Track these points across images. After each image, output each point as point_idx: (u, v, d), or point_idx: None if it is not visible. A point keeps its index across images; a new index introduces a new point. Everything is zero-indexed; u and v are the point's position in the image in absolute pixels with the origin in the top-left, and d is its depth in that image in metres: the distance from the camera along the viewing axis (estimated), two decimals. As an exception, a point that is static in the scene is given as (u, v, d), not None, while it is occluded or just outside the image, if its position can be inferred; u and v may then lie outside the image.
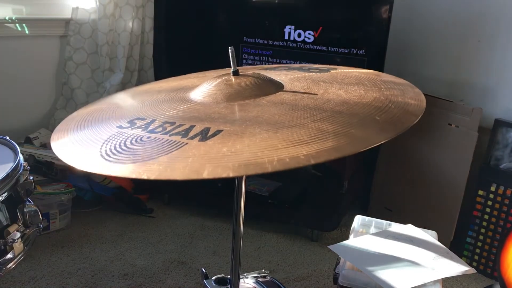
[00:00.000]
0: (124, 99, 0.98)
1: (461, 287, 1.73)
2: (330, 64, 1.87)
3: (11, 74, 2.05)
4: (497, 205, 1.78)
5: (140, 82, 2.36)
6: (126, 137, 0.69)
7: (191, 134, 0.66)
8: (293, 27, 1.88)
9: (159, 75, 2.35)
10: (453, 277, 1.18)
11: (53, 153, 0.72)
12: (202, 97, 0.82)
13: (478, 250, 1.84)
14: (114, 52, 2.21)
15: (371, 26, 1.82)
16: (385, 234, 1.33)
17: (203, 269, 1.20)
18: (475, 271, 1.42)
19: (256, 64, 2.00)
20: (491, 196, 1.79)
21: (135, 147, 0.65)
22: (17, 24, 2.01)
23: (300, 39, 1.88)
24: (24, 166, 1.07)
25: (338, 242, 1.28)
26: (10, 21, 1.98)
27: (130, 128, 0.72)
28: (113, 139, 0.70)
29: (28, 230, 1.05)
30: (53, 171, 1.90)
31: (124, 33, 2.19)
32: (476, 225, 1.83)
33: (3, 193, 0.98)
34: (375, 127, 0.68)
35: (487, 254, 1.82)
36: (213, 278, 1.19)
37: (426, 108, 0.76)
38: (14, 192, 1.02)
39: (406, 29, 2.10)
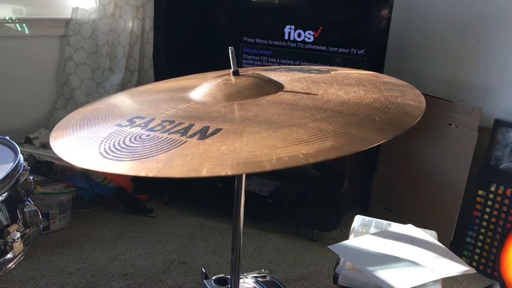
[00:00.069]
0: (123, 99, 0.98)
1: (461, 287, 1.73)
2: (330, 64, 1.88)
3: (11, 74, 2.06)
4: (497, 205, 1.78)
5: (140, 82, 2.36)
6: (125, 135, 0.69)
7: (190, 132, 0.66)
8: (293, 27, 1.89)
9: (159, 75, 2.35)
10: (453, 277, 1.18)
11: (53, 153, 0.72)
12: (202, 97, 0.82)
13: (478, 250, 1.84)
14: (114, 52, 2.21)
15: (371, 26, 1.82)
16: (385, 234, 1.33)
17: (203, 269, 1.20)
18: (475, 271, 1.42)
19: (256, 64, 2.00)
20: (491, 196, 1.79)
21: (134, 145, 0.65)
22: (17, 24, 2.01)
23: (300, 39, 1.88)
24: (24, 166, 1.07)
25: (338, 242, 1.28)
26: (10, 21, 1.99)
27: (129, 126, 0.73)
28: (112, 137, 0.70)
29: (28, 230, 1.05)
30: (53, 171, 1.91)
31: (124, 33, 2.19)
32: (476, 225, 1.83)
33: (3, 193, 0.98)
34: (374, 127, 0.68)
35: (487, 254, 1.81)
36: (213, 278, 1.19)
37: (426, 108, 0.77)
38: (14, 192, 1.03)
39: (406, 29, 2.10)
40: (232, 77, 0.84)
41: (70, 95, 2.22)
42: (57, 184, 1.93)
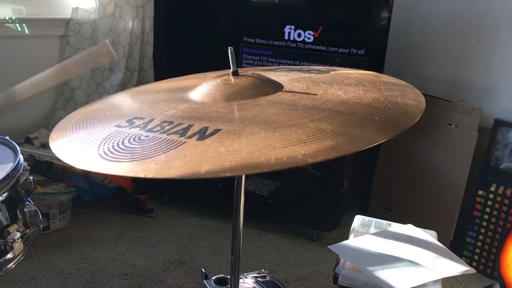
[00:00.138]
0: (123, 99, 0.98)
1: (461, 287, 1.73)
2: (330, 64, 1.87)
3: (11, 74, 2.05)
4: (497, 205, 1.78)
5: (140, 82, 2.36)
6: (124, 136, 0.69)
7: (189, 133, 0.66)
8: (293, 27, 1.88)
9: (159, 75, 2.35)
10: (453, 277, 1.18)
11: (53, 153, 0.72)
12: (201, 97, 0.82)
13: (478, 250, 1.84)
14: (114, 52, 2.21)
15: (371, 26, 1.82)
16: (385, 234, 1.33)
17: (203, 269, 1.20)
18: (475, 271, 1.42)
19: (256, 64, 2.00)
20: (491, 196, 1.79)
21: (133, 145, 0.65)
22: (17, 24, 2.01)
23: (300, 39, 1.88)
24: (24, 166, 1.07)
25: (338, 242, 1.28)
26: (10, 21, 1.99)
27: (128, 127, 0.73)
28: (111, 138, 0.70)
29: (28, 230, 1.05)
30: (53, 171, 1.91)
31: (124, 33, 2.19)
32: (476, 225, 1.83)
33: (3, 193, 0.98)
34: (373, 127, 0.68)
35: (487, 254, 1.81)
36: (213, 278, 1.19)
37: (426, 108, 0.77)
38: (14, 192, 1.02)
39: (406, 29, 2.10)
40: (231, 77, 0.84)
41: (70, 95, 2.22)
42: (57, 184, 1.93)
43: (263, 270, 1.28)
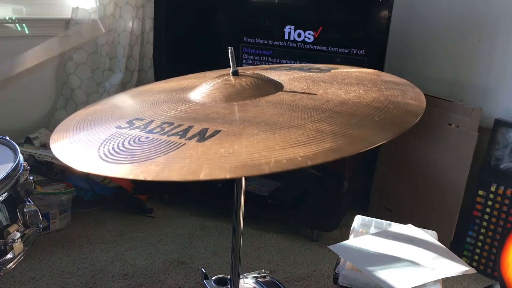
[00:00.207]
0: (123, 100, 0.98)
1: (461, 287, 1.73)
2: (330, 64, 1.87)
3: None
4: (497, 205, 1.78)
5: (140, 82, 2.36)
6: (125, 138, 0.69)
7: (189, 134, 0.66)
8: (293, 27, 1.88)
9: (159, 75, 2.35)
10: (453, 277, 1.18)
11: (53, 153, 0.72)
12: (201, 98, 0.82)
13: (478, 250, 1.84)
14: (114, 52, 2.21)
15: (371, 26, 1.82)
16: (385, 234, 1.33)
17: (203, 269, 1.20)
18: (475, 271, 1.42)
19: (256, 64, 2.00)
20: (491, 196, 1.79)
21: (133, 147, 0.65)
22: (17, 24, 2.01)
23: (300, 39, 1.88)
24: (24, 166, 1.07)
25: (338, 242, 1.28)
26: (10, 21, 1.99)
27: (128, 129, 0.72)
28: (112, 139, 0.70)
29: (28, 230, 1.05)
30: (53, 171, 1.91)
31: (124, 33, 2.19)
32: (476, 225, 1.83)
33: (3, 193, 0.98)
34: (374, 127, 0.67)
35: (487, 254, 1.81)
36: (213, 278, 1.19)
37: (426, 108, 0.76)
38: (14, 192, 1.02)
39: (406, 29, 2.10)
40: (231, 78, 0.83)
41: (70, 95, 2.22)
42: (57, 184, 1.93)
43: (263, 270, 1.28)
